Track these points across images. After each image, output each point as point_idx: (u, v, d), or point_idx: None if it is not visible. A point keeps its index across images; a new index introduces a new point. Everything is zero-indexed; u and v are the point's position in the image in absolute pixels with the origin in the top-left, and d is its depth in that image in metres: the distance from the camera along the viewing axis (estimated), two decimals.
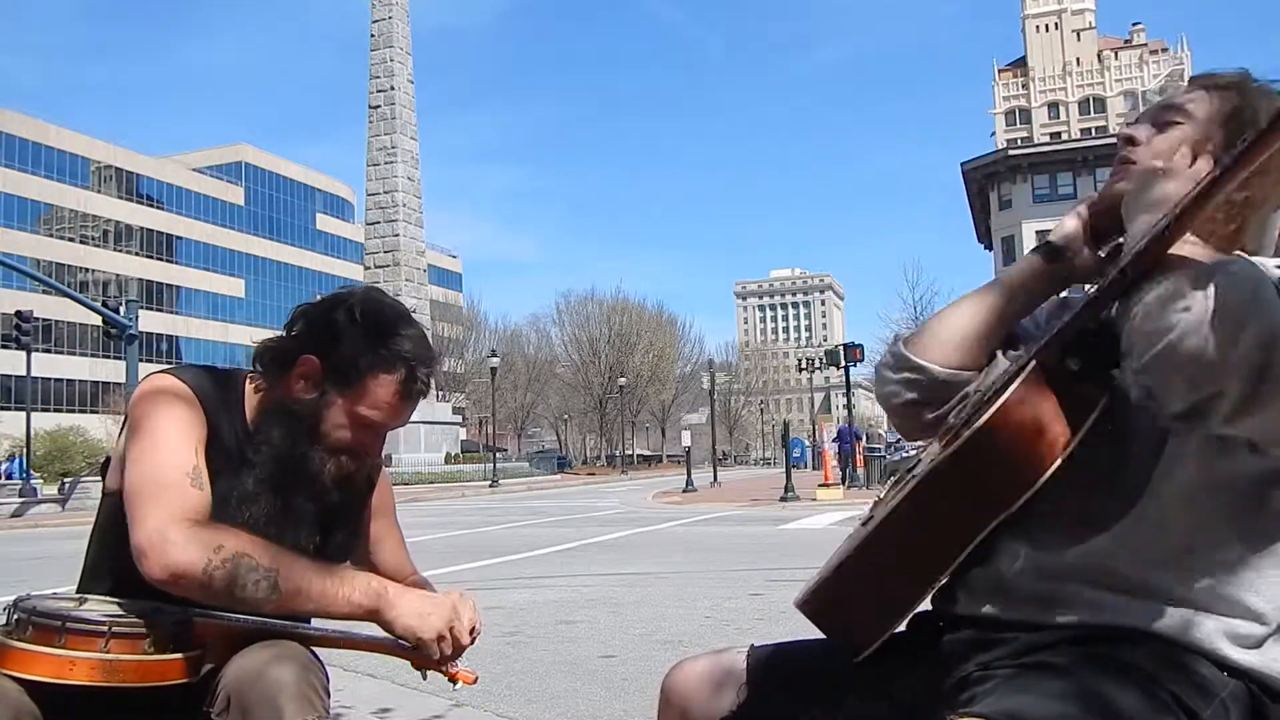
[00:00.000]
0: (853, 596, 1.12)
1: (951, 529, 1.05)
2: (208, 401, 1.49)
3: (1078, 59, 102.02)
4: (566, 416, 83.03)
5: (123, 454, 1.48)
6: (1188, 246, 1.07)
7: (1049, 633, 1.03)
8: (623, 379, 66.40)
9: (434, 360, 1.56)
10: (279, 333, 1.58)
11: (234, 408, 1.54)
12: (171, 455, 1.41)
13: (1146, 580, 1.01)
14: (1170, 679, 0.95)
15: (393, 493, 1.81)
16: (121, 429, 1.53)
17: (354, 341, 1.49)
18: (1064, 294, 1.21)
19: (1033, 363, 1.02)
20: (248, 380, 1.58)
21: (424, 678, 1.52)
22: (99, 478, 1.51)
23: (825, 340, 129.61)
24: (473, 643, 1.51)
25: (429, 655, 1.44)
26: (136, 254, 68.56)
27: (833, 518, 14.13)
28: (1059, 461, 1.00)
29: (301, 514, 1.50)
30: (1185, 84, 1.19)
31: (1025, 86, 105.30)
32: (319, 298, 1.60)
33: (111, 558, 1.49)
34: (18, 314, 23.82)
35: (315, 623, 1.50)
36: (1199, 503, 1.00)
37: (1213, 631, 0.99)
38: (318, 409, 1.49)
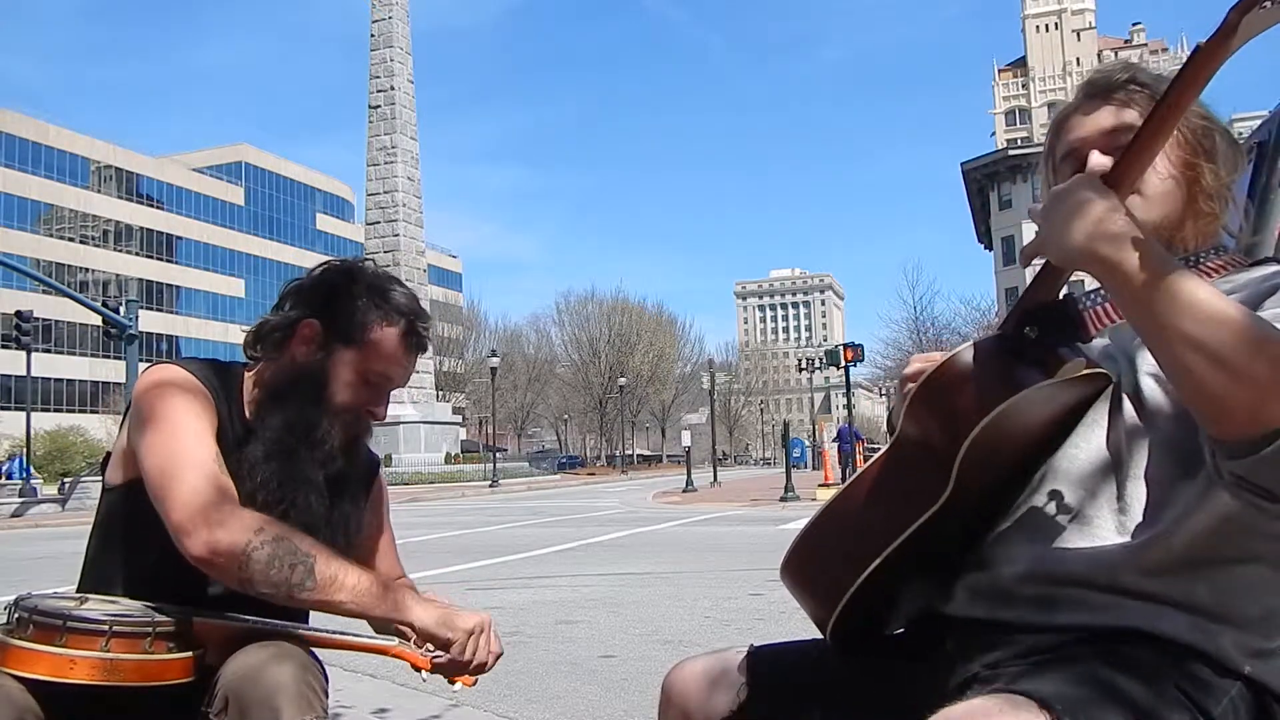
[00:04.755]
0: (815, 563, 1.13)
1: (904, 494, 1.05)
2: (213, 391, 1.50)
3: (1078, 59, 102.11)
4: (566, 416, 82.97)
5: (125, 446, 1.48)
6: (1190, 225, 1.13)
7: (1053, 634, 1.02)
8: (623, 379, 66.37)
9: (428, 316, 1.61)
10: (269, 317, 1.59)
11: (233, 399, 1.55)
12: (194, 440, 1.42)
13: (1154, 589, 0.99)
14: (1179, 678, 0.95)
15: (388, 492, 1.82)
16: (123, 422, 1.53)
17: (352, 299, 1.52)
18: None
19: (989, 329, 1.04)
20: (245, 371, 1.59)
21: (424, 679, 1.52)
22: (99, 477, 1.51)
23: (825, 340, 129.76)
24: (490, 667, 1.51)
25: (459, 653, 1.45)
26: (136, 254, 68.57)
27: None
28: (995, 413, 0.97)
29: (310, 479, 1.50)
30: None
31: (1025, 86, 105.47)
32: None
33: (112, 555, 1.50)
34: (18, 314, 23.81)
35: (314, 622, 1.50)
36: (1214, 513, 0.97)
37: (1221, 639, 0.98)
38: (325, 368, 1.52)
